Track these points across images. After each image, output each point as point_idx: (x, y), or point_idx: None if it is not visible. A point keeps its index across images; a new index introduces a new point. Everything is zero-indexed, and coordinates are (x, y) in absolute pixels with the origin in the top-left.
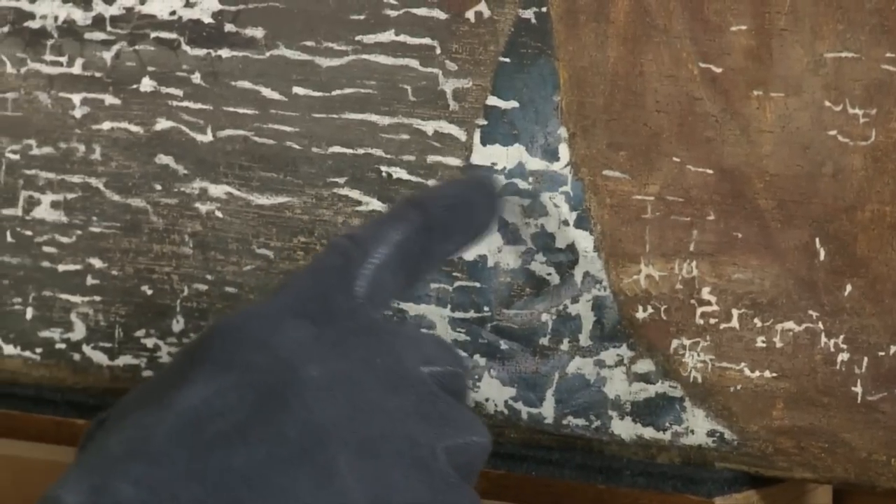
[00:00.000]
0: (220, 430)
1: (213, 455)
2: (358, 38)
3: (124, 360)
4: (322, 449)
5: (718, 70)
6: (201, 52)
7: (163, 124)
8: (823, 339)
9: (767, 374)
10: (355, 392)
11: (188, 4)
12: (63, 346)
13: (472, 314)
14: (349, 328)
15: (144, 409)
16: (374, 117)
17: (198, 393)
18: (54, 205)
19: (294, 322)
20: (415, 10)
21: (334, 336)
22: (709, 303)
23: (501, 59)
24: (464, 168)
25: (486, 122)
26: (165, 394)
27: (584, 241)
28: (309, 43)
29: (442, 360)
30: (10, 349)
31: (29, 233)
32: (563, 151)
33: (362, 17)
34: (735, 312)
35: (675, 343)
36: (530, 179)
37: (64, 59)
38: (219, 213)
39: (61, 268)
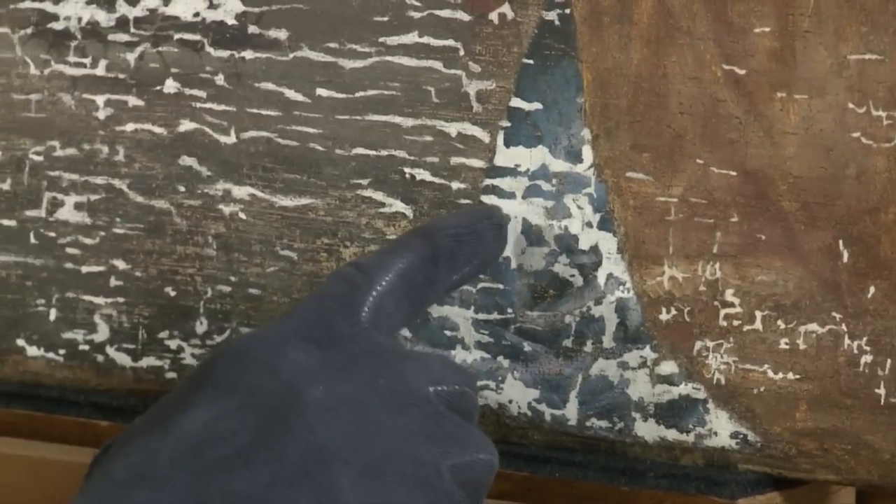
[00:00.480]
0: (222, 454)
1: (216, 479)
2: (381, 39)
3: (147, 361)
4: (325, 470)
5: (742, 72)
6: (225, 53)
7: (186, 126)
8: (847, 340)
9: (791, 375)
10: (359, 413)
11: (212, 6)
12: (86, 347)
13: (495, 316)
14: (353, 352)
15: (149, 434)
16: (397, 119)
17: (200, 417)
18: (78, 206)
19: (298, 346)
20: (438, 12)
21: (339, 360)
22: (732, 305)
23: (525, 60)
24: (487, 170)
25: (509, 124)
26: (169, 417)
27: (608, 242)
28: (332, 44)
29: (449, 380)
30: (33, 350)
31: (52, 234)
32: (587, 153)
33: (386, 19)
34: (758, 314)
35: (698, 345)
36: (554, 181)
37: (87, 61)
38: (242, 215)
39: (85, 269)
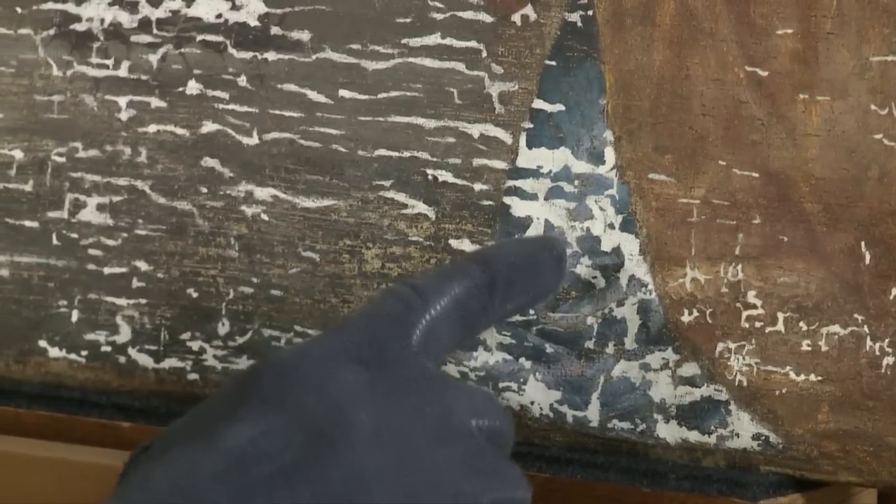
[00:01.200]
0: (266, 473)
1: (257, 498)
2: (404, 41)
3: (170, 362)
4: (367, 495)
5: (764, 73)
6: (247, 54)
7: (209, 127)
8: (869, 342)
9: (813, 377)
10: (404, 440)
11: (234, 7)
12: (108, 348)
13: (517, 317)
14: (402, 376)
15: (191, 443)
16: (419, 120)
17: (245, 432)
18: (100, 207)
19: (348, 366)
20: (461, 14)
21: (387, 384)
22: (754, 306)
23: (547, 62)
24: (509, 172)
25: (531, 126)
26: (213, 428)
27: (630, 244)
28: (355, 46)
29: (490, 415)
30: (55, 352)
31: (75, 235)
32: (609, 155)
33: (408, 21)
34: (780, 316)
35: (720, 346)
36: (576, 183)
37: (110, 62)
38: (264, 216)
39: (107, 270)
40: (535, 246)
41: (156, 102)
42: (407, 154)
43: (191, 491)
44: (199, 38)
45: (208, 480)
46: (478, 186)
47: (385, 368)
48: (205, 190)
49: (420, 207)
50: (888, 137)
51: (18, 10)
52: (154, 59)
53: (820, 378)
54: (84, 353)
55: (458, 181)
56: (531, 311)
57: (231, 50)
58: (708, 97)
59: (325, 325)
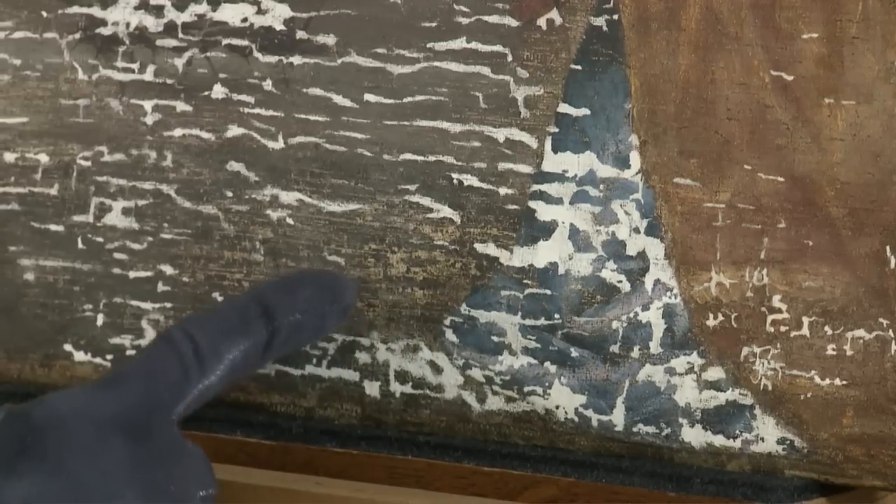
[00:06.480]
0: None
1: None
2: (429, 45)
3: None
4: None
5: (790, 78)
6: (273, 59)
7: (234, 131)
8: (894, 346)
9: (838, 381)
10: None
11: (260, 11)
12: (133, 352)
13: (542, 322)
14: (158, 448)
15: None
16: (445, 124)
17: (22, 491)
18: (125, 211)
19: (118, 437)
20: (486, 18)
21: (146, 457)
22: (779, 310)
23: (573, 66)
24: (534, 176)
25: (557, 130)
26: None
27: (655, 248)
28: (380, 50)
29: (212, 485)
30: (80, 356)
31: (100, 239)
32: (635, 159)
33: (434, 25)
34: (805, 320)
35: (745, 351)
36: (601, 187)
37: (136, 66)
38: (290, 220)
39: (132, 274)
40: (326, 297)
41: (181, 106)
42: (432, 158)
43: None
44: (225, 42)
45: None
46: (503, 191)
47: (147, 439)
48: (230, 194)
49: (445, 211)
50: None
51: (44, 14)
52: (179, 63)
53: (845, 382)
54: (109, 356)
55: (484, 185)
56: (555, 316)
57: (256, 54)
58: (733, 101)
59: (349, 329)
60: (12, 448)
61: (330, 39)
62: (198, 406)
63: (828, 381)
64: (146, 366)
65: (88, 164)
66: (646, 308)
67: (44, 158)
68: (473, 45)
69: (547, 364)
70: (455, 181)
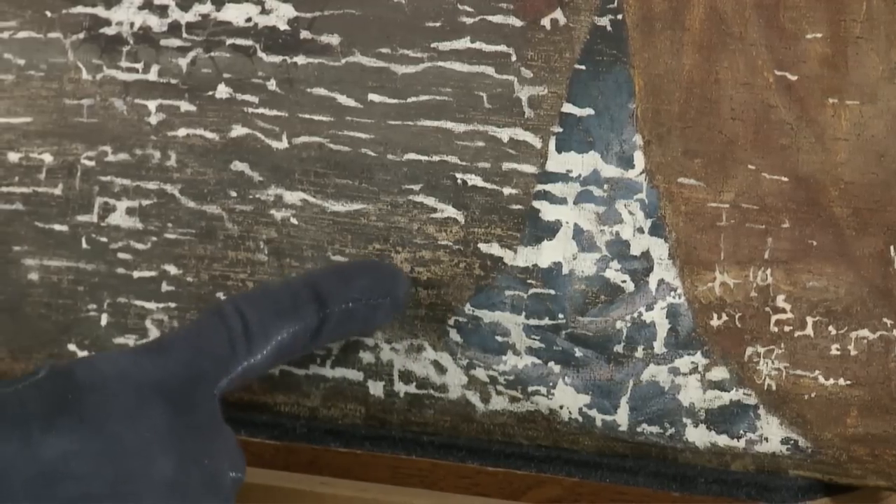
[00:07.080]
0: (70, 496)
1: None
2: (433, 45)
3: None
4: None
5: (794, 78)
6: (277, 58)
7: (238, 131)
8: None
9: (841, 381)
10: (183, 494)
11: (264, 11)
12: None
13: (546, 321)
14: (196, 421)
15: (7, 443)
16: (449, 124)
17: (60, 446)
18: (129, 211)
19: (159, 404)
20: (490, 18)
21: (183, 428)
22: (783, 310)
23: (577, 66)
24: (538, 176)
25: (561, 130)
26: (30, 430)
27: (659, 248)
28: (384, 50)
29: (242, 469)
30: (84, 355)
31: (104, 239)
32: (639, 159)
33: (438, 25)
34: (809, 320)
35: (749, 351)
36: (605, 187)
37: (140, 66)
38: (294, 220)
39: (136, 274)
40: (380, 289)
41: (185, 106)
42: (436, 158)
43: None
44: (229, 41)
45: (19, 483)
46: (507, 190)
47: (187, 410)
48: (234, 194)
49: (449, 211)
50: None
51: (48, 13)
52: (184, 62)
53: (849, 382)
54: None
55: (488, 185)
56: (559, 316)
57: (260, 54)
58: (737, 101)
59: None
60: (53, 404)
61: (334, 39)
62: (240, 385)
63: (832, 380)
64: (194, 337)
65: (92, 163)
66: (650, 308)
67: (48, 158)
68: (477, 44)
69: (551, 364)
70: (459, 181)
